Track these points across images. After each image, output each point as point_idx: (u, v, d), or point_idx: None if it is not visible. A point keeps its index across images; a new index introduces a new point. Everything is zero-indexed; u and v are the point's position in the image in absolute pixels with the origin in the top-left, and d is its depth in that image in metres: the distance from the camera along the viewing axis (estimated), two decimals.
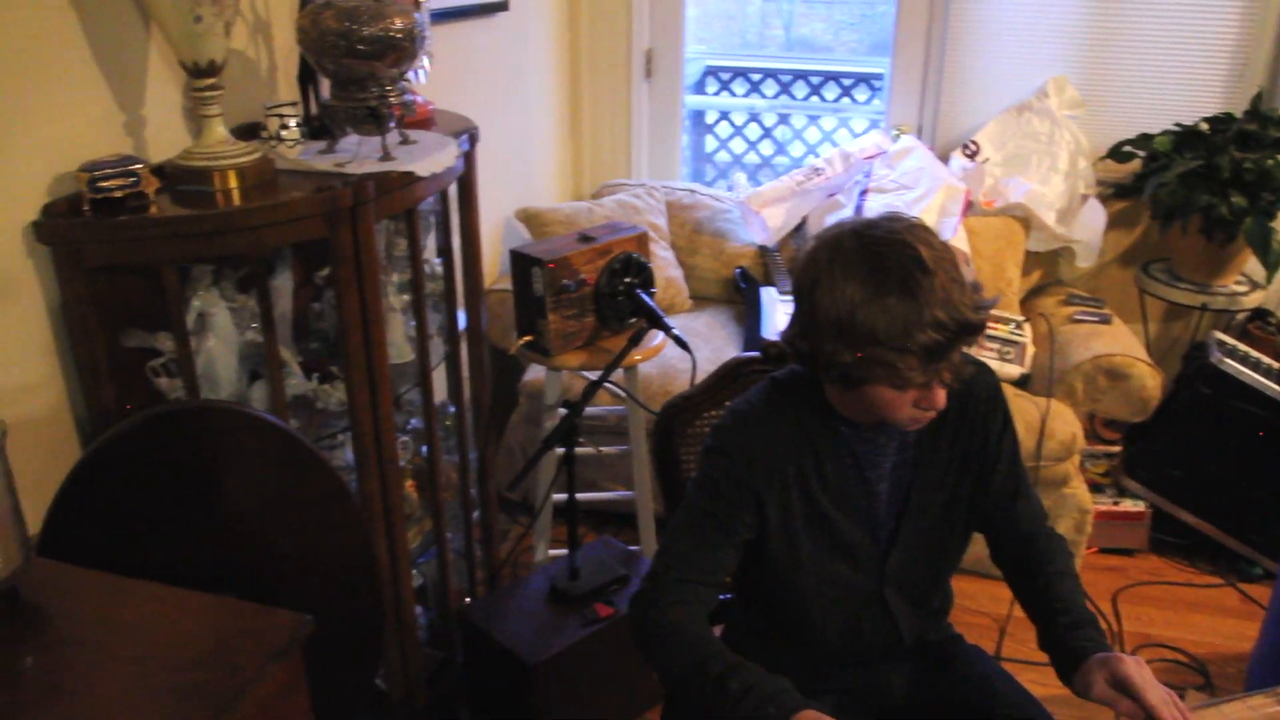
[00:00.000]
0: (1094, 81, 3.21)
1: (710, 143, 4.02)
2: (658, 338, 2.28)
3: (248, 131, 1.78)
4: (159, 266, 1.49)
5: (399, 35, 1.66)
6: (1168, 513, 2.94)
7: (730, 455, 1.39)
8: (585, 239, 2.23)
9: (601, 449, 2.57)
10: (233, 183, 1.58)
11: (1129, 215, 3.27)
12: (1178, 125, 3.08)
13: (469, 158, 2.09)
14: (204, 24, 1.51)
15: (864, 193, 3.05)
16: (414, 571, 2.05)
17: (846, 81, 3.82)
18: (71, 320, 1.50)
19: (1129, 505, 2.94)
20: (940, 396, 1.29)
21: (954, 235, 2.94)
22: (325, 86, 1.81)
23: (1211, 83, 3.15)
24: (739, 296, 3.32)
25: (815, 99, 3.86)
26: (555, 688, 2.02)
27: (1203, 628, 2.68)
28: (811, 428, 1.41)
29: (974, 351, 2.56)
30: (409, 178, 1.74)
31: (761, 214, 3.27)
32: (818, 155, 3.78)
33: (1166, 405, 2.89)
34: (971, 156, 3.22)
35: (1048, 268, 3.30)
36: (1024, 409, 2.66)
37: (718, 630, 1.52)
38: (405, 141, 1.84)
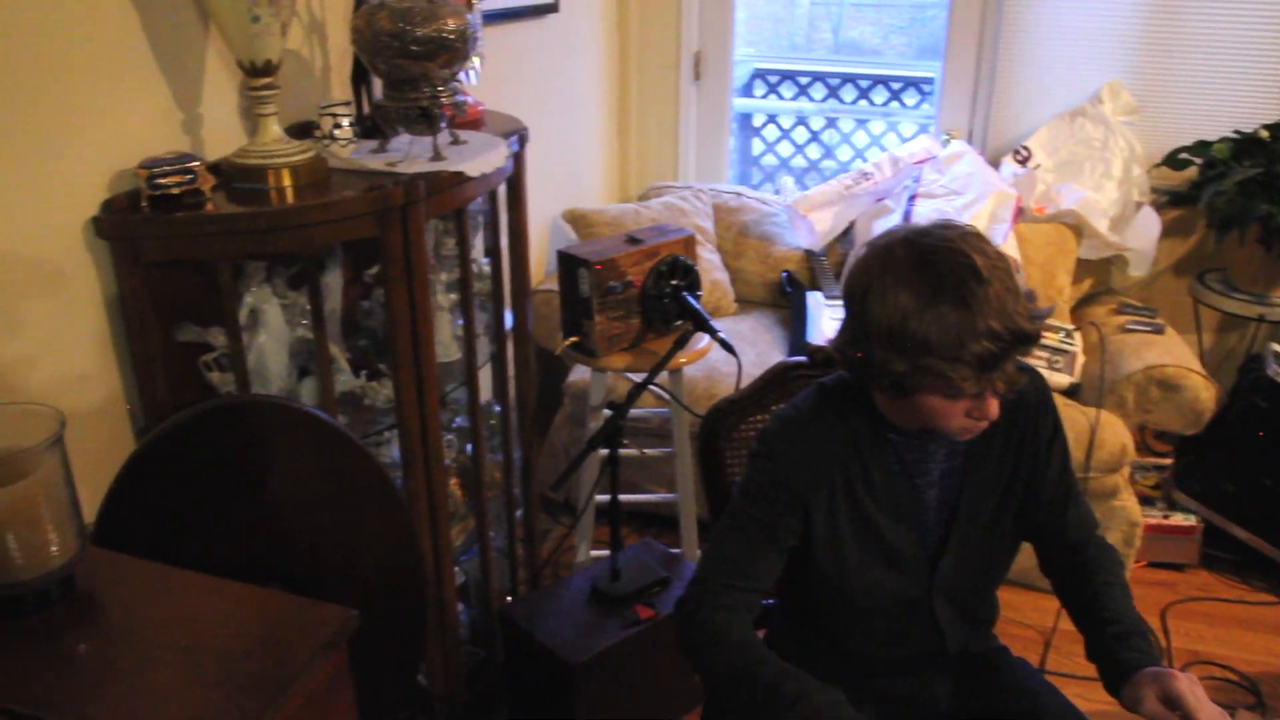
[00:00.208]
0: (1150, 87, 3.16)
1: (757, 146, 4.00)
2: (703, 340, 2.27)
3: (302, 130, 1.81)
4: (214, 262, 1.51)
5: (452, 36, 1.66)
6: (1219, 527, 2.88)
7: (777, 461, 1.38)
8: (633, 241, 2.23)
9: (645, 451, 2.57)
10: (286, 181, 1.60)
11: (1184, 223, 3.21)
12: (1237, 132, 3.02)
13: (518, 158, 2.09)
14: (261, 24, 1.52)
15: (913, 198, 3.03)
16: (456, 569, 2.06)
17: (895, 85, 3.79)
18: (128, 314, 1.52)
19: (1180, 519, 2.88)
20: (993, 407, 1.28)
21: (1004, 242, 2.90)
22: (378, 86, 1.83)
23: (1272, 88, 3.08)
24: (784, 300, 3.30)
25: (863, 103, 3.84)
26: (594, 688, 2.02)
27: (1255, 646, 2.62)
28: (859, 434, 1.40)
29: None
30: (459, 178, 1.74)
31: (809, 218, 3.25)
32: (865, 160, 3.75)
33: (1220, 418, 2.84)
34: (1023, 162, 3.18)
35: (1099, 276, 3.25)
36: (1073, 419, 2.62)
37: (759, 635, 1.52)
38: (456, 142, 1.85)
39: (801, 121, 3.90)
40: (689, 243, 2.29)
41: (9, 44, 1.34)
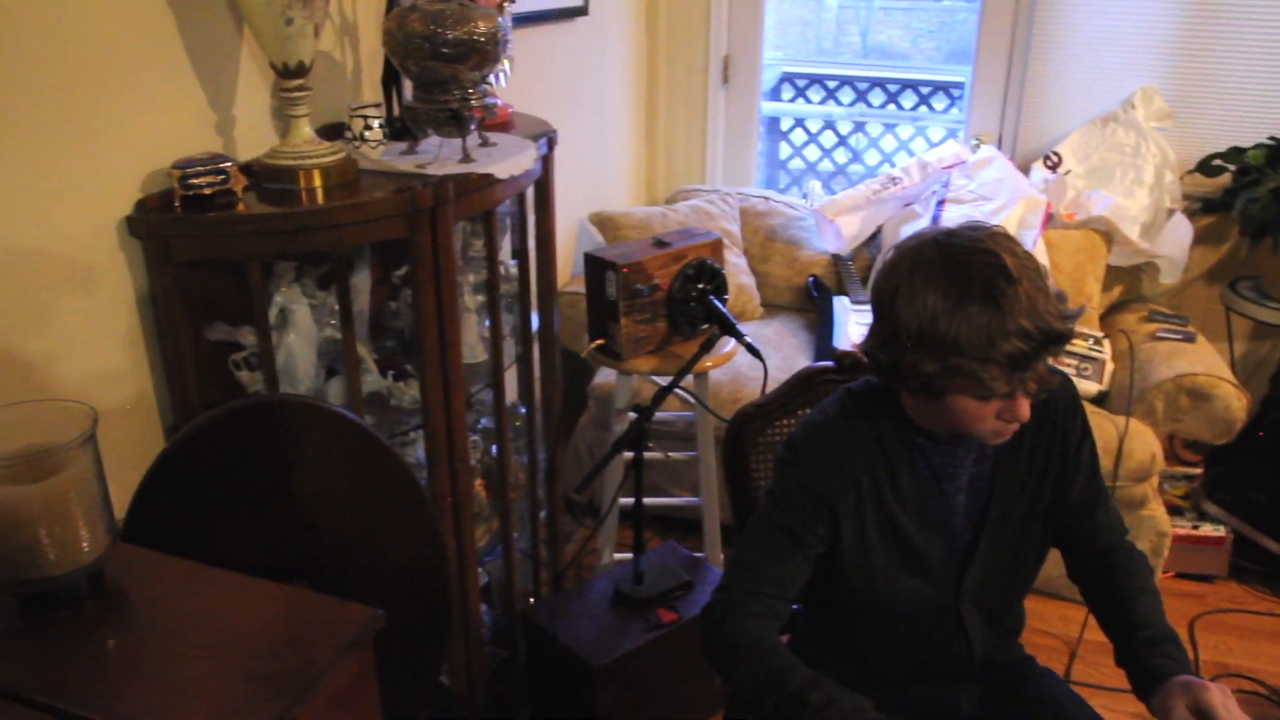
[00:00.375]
0: (1183, 92, 3.12)
1: (785, 149, 3.99)
2: (729, 344, 2.27)
3: (332, 132, 1.82)
4: (244, 262, 1.52)
5: (482, 39, 1.67)
6: (1249, 538, 2.85)
7: (804, 466, 1.38)
8: (660, 244, 2.23)
9: (670, 454, 2.57)
10: (317, 182, 1.61)
11: (1216, 231, 3.17)
12: (1271, 138, 2.98)
13: (547, 161, 2.10)
14: (295, 26, 1.53)
15: (941, 203, 3.01)
16: (480, 570, 2.07)
17: (924, 89, 3.77)
18: (160, 313, 1.54)
19: (1209, 529, 2.85)
20: (1024, 408, 1.27)
21: (1033, 248, 2.88)
22: (408, 89, 1.83)
23: None
24: (811, 305, 3.29)
25: (892, 107, 3.82)
26: (616, 690, 2.02)
27: None
28: (887, 438, 1.39)
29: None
30: (488, 180, 1.75)
31: (836, 222, 3.24)
32: (894, 164, 3.74)
33: (1252, 428, 2.80)
34: (1053, 168, 3.15)
35: (1129, 283, 3.21)
36: (1101, 427, 2.60)
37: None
38: (485, 144, 1.85)
39: (829, 125, 3.89)
40: (717, 246, 2.29)
41: (48, 46, 1.36)
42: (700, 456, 2.40)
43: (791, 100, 3.94)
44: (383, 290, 1.93)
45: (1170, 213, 3.06)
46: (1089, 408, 2.67)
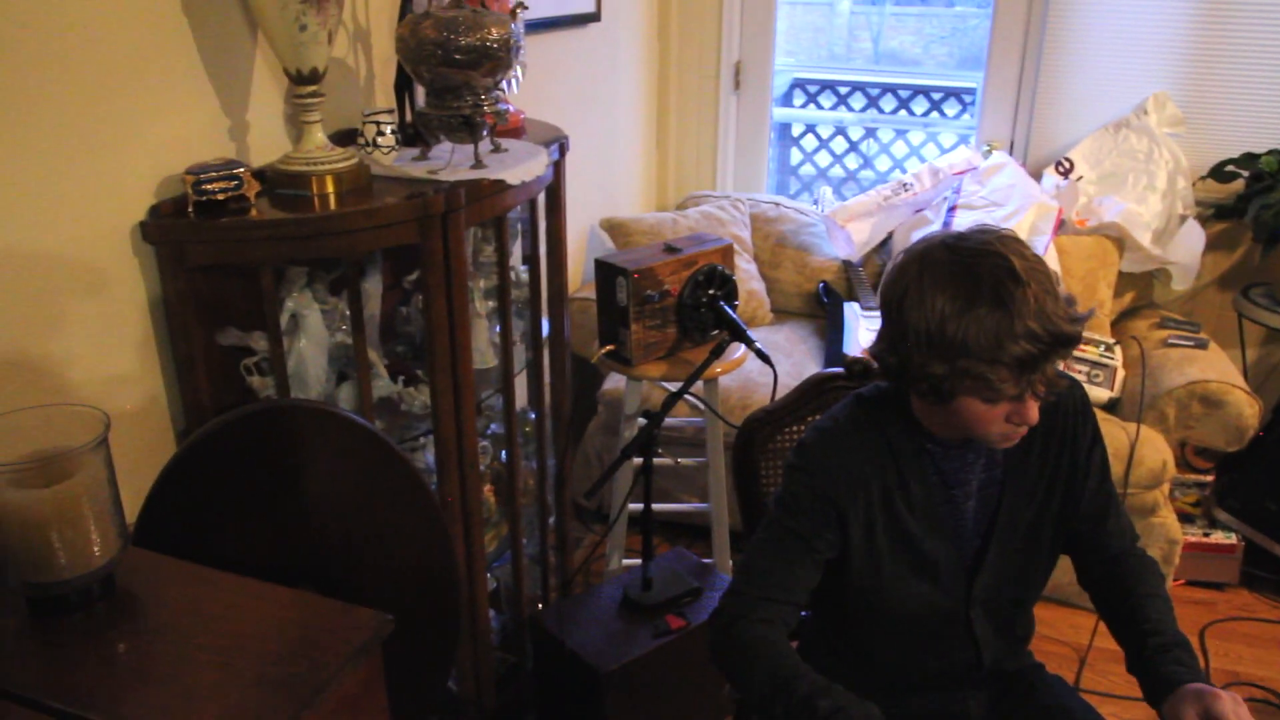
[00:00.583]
0: (1196, 98, 3.11)
1: (795, 155, 3.99)
2: (739, 350, 2.27)
3: (345, 138, 1.82)
4: (256, 267, 1.53)
5: (495, 45, 1.68)
6: (1261, 546, 2.83)
7: (813, 472, 1.37)
8: (670, 250, 2.23)
9: (679, 460, 2.57)
10: (330, 188, 1.62)
11: (1229, 237, 3.16)
12: None
13: (558, 167, 2.10)
14: (308, 33, 1.54)
15: (952, 209, 3.00)
16: (489, 575, 2.07)
17: (936, 95, 3.76)
18: (172, 317, 1.54)
19: (1220, 537, 2.84)
20: (1033, 411, 1.26)
21: (1045, 254, 2.87)
22: (420, 95, 1.84)
23: None
24: (821, 311, 3.28)
25: (903, 113, 3.81)
26: (624, 697, 2.02)
27: None
28: (897, 444, 1.39)
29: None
30: (499, 185, 1.75)
31: (846, 228, 3.23)
32: (905, 170, 3.73)
33: (1264, 435, 2.79)
34: (1065, 174, 3.14)
35: (1141, 289, 3.20)
36: (1112, 434, 2.59)
37: None
38: (497, 150, 1.86)
39: (840, 131, 3.89)
40: (727, 252, 2.29)
41: (63, 52, 1.36)
42: (709, 462, 2.40)
43: (803, 106, 3.94)
44: (394, 295, 1.94)
45: (1183, 219, 3.05)
46: (1100, 414, 2.66)
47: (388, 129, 1.75)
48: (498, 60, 1.70)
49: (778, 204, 3.49)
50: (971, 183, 3.08)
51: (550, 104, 2.76)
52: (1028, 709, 1.52)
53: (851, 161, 3.92)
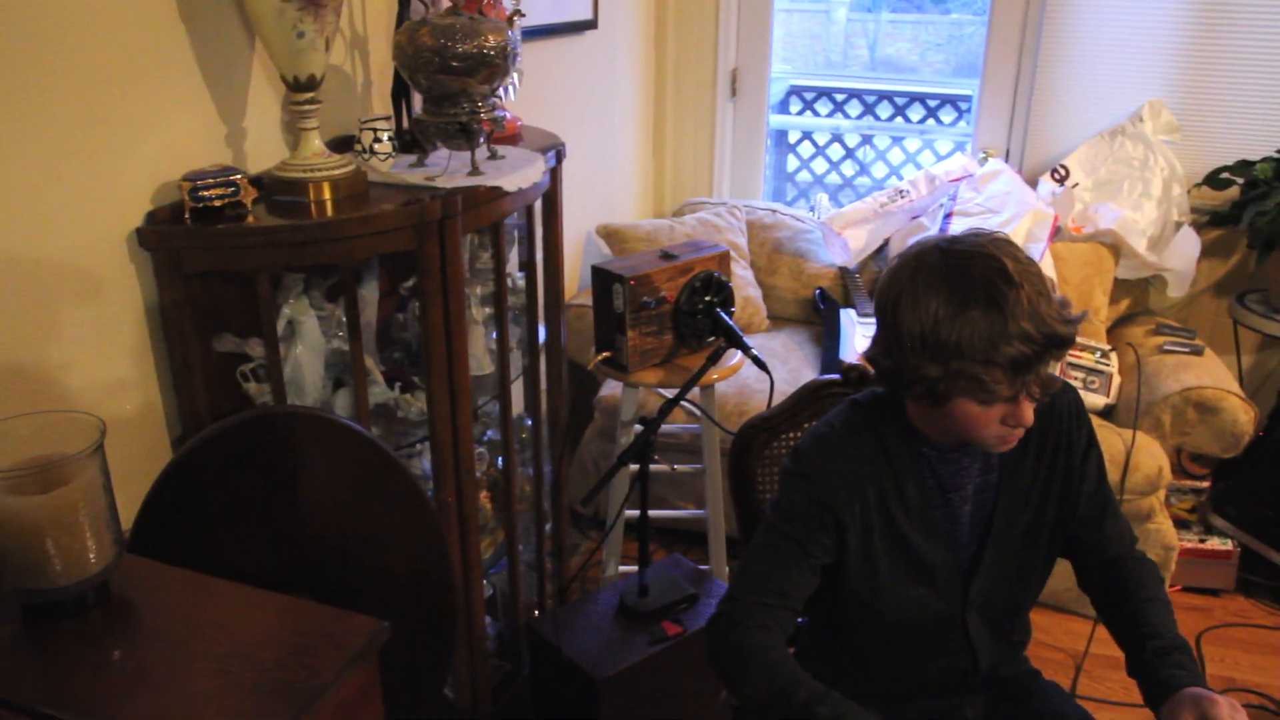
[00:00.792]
0: (1191, 105, 3.12)
1: (792, 162, 3.99)
2: (735, 357, 2.27)
3: (342, 144, 1.82)
4: (253, 274, 1.53)
5: (492, 53, 1.68)
6: (1257, 552, 2.83)
7: (810, 477, 1.38)
8: (667, 256, 2.23)
9: (675, 467, 2.57)
10: (326, 194, 1.62)
11: (1224, 244, 3.17)
12: None
13: (555, 174, 2.10)
14: (306, 40, 1.54)
15: (948, 216, 3.01)
16: (485, 582, 2.07)
17: (932, 103, 3.77)
18: (168, 324, 1.54)
19: (1216, 543, 2.84)
20: (1028, 413, 1.27)
21: (1040, 261, 2.88)
22: (417, 102, 1.84)
23: None
24: (817, 317, 3.29)
25: (900, 120, 3.82)
26: (621, 704, 2.01)
27: None
28: (892, 448, 1.39)
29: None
30: (496, 192, 1.75)
31: (843, 235, 3.24)
32: (901, 177, 3.74)
33: (1260, 441, 2.79)
34: (1061, 181, 3.15)
35: (1137, 296, 3.21)
36: (1108, 440, 2.59)
37: None
38: (494, 157, 1.86)
39: (837, 138, 3.90)
40: (724, 259, 2.29)
41: (60, 58, 1.36)
42: (706, 469, 2.40)
43: (799, 113, 3.95)
44: (390, 302, 1.94)
45: (1178, 226, 3.05)
46: (1096, 421, 2.67)
47: (385, 136, 1.75)
48: (495, 67, 1.70)
49: (774, 211, 3.50)
50: (967, 190, 3.09)
51: (547, 111, 2.76)
52: (1024, 715, 1.52)
53: (848, 168, 3.93)
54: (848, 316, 3.04)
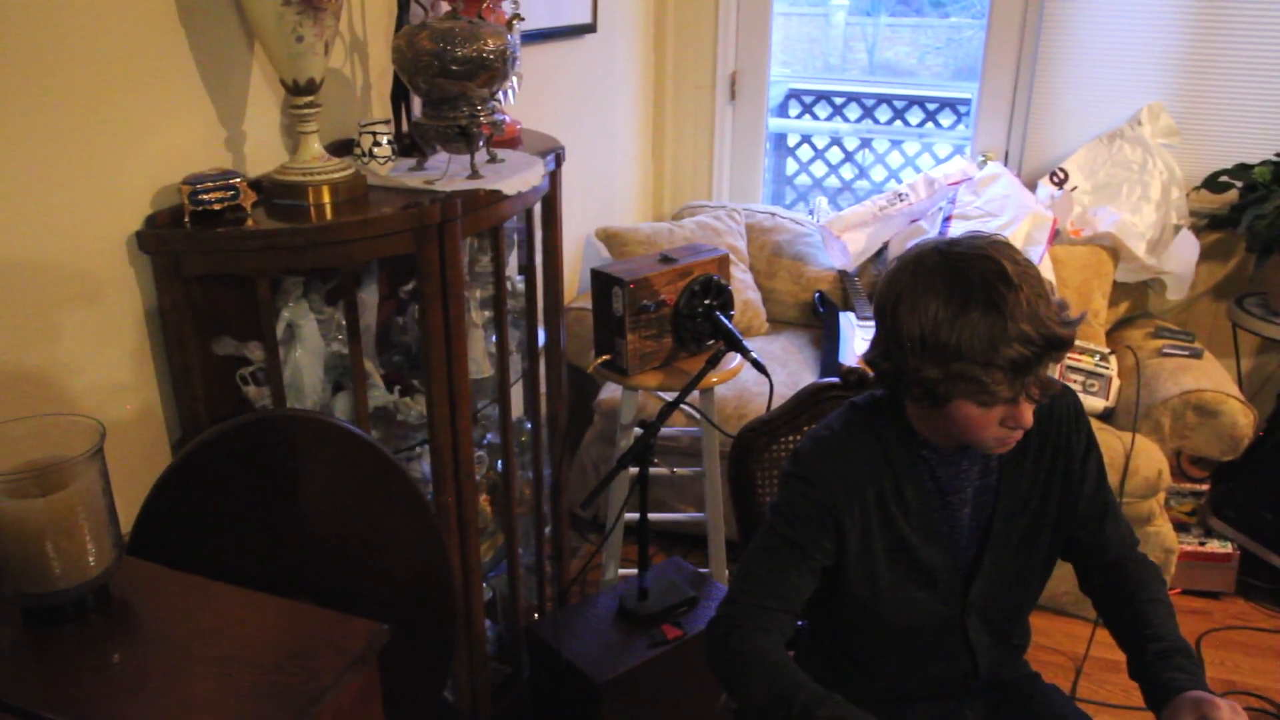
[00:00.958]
0: (1190, 109, 3.12)
1: (791, 166, 4.00)
2: (735, 360, 2.26)
3: (341, 148, 1.82)
4: (253, 277, 1.53)
5: (491, 56, 1.68)
6: (1256, 555, 2.83)
7: (809, 480, 1.38)
8: (666, 260, 2.23)
9: (675, 470, 2.57)
10: (326, 198, 1.61)
11: (1223, 247, 3.17)
12: (1278, 155, 2.98)
13: (554, 177, 2.10)
14: (305, 44, 1.54)
15: (947, 219, 3.01)
16: (484, 585, 2.06)
17: (931, 106, 3.77)
18: (168, 327, 1.54)
19: (1216, 546, 2.84)
20: (1027, 414, 1.27)
21: (1040, 264, 2.88)
22: (417, 105, 1.84)
23: None
24: (817, 321, 3.28)
25: (899, 123, 3.83)
26: (620, 707, 2.01)
27: None
28: (892, 451, 1.39)
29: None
30: (496, 196, 1.75)
31: (842, 239, 3.24)
32: (900, 180, 3.74)
33: (1259, 444, 2.79)
34: (1060, 184, 3.15)
35: (1136, 299, 3.21)
36: (1108, 443, 2.59)
37: None
38: (493, 160, 1.86)
39: (836, 142, 3.90)
40: (723, 262, 2.29)
41: (60, 61, 1.36)
42: (706, 472, 2.39)
43: (798, 116, 3.95)
44: (389, 305, 1.93)
45: (1177, 229, 3.06)
46: (1095, 424, 2.66)
47: (384, 139, 1.75)
48: (494, 71, 1.70)
49: (773, 214, 3.50)
50: (966, 193, 3.09)
51: (547, 114, 2.76)
52: (1024, 718, 1.51)
53: (847, 172, 3.93)
54: (847, 320, 3.04)
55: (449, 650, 1.66)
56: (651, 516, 2.18)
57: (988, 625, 1.46)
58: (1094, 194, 3.13)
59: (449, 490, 1.80)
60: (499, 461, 2.10)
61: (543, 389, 2.24)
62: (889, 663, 1.47)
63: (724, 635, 1.36)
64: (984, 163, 3.27)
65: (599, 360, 2.25)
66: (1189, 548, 2.81)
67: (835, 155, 3.92)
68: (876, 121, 3.85)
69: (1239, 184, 3.02)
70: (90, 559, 1.11)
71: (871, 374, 1.38)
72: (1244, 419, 2.61)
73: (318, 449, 1.50)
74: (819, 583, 1.40)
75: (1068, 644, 2.64)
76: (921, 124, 3.80)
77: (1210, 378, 2.73)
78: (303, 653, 1.10)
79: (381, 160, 1.74)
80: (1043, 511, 1.44)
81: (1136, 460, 2.57)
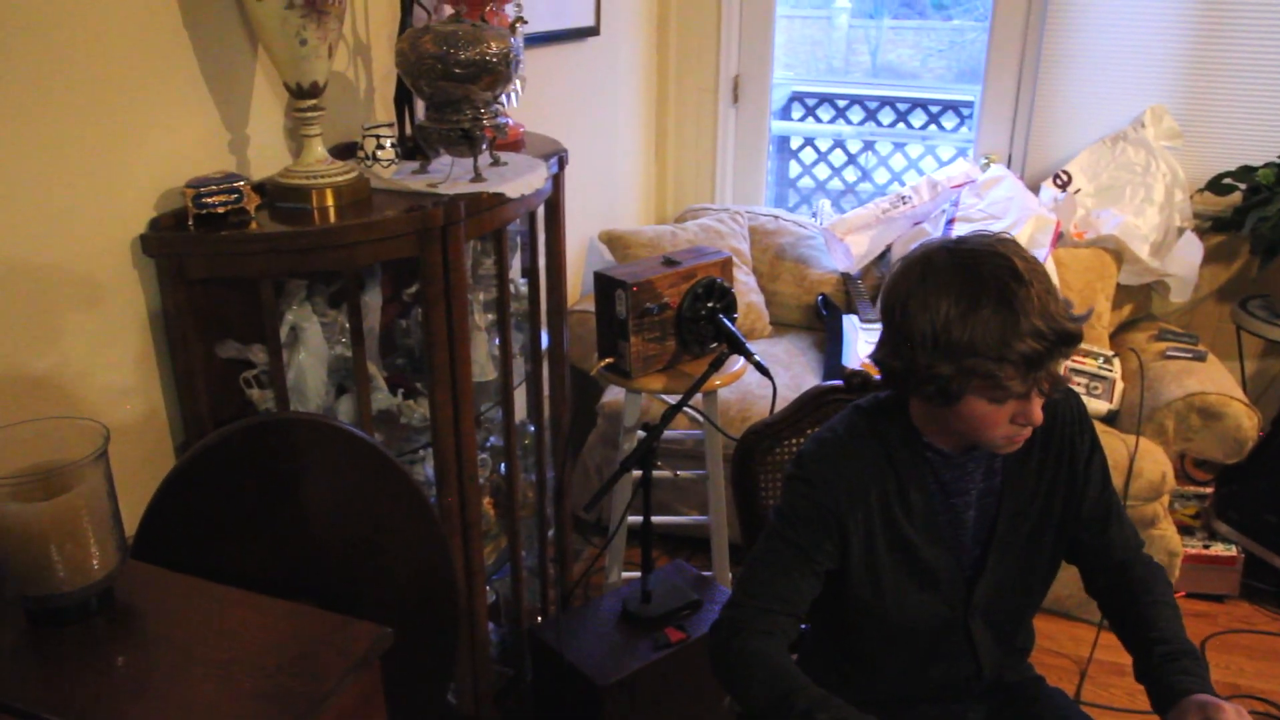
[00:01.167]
0: (1193, 111, 3.11)
1: (794, 168, 4.00)
2: (738, 363, 2.26)
3: (345, 151, 1.83)
4: (256, 280, 1.53)
5: (494, 59, 1.68)
6: (1260, 558, 2.83)
7: (813, 482, 1.37)
8: (669, 262, 2.22)
9: (678, 473, 2.56)
10: (329, 201, 1.62)
11: (1227, 249, 3.16)
12: None
13: (557, 180, 2.10)
14: (309, 47, 1.54)
15: (950, 222, 3.01)
16: (488, 588, 2.06)
17: (934, 108, 3.77)
18: (171, 330, 1.54)
19: (1220, 549, 2.83)
20: (1038, 411, 1.27)
21: None
22: (420, 108, 1.84)
23: None
24: (820, 324, 3.28)
25: (901, 126, 3.82)
26: (624, 710, 2.01)
27: None
28: (896, 453, 1.39)
29: None
30: (499, 199, 1.75)
31: (845, 241, 3.23)
32: (903, 183, 3.74)
33: (1263, 447, 2.78)
34: (1063, 187, 3.15)
35: (1139, 302, 3.20)
36: (1111, 447, 2.58)
37: None
38: (496, 163, 1.86)
39: (839, 144, 3.90)
40: (726, 265, 2.29)
41: (64, 65, 1.37)
42: (709, 475, 2.39)
43: (801, 119, 3.95)
44: (393, 308, 1.93)
45: (1180, 231, 3.05)
46: (1099, 427, 2.66)
47: (387, 142, 1.75)
48: (497, 74, 1.70)
49: (776, 217, 3.49)
50: (970, 195, 3.09)
51: (549, 117, 2.76)
52: None
53: (850, 174, 3.93)
54: (850, 322, 3.03)
55: (452, 653, 1.66)
56: (654, 519, 2.18)
57: (991, 627, 1.46)
58: (1097, 196, 3.12)
59: (452, 493, 1.80)
60: (502, 464, 2.09)
61: (546, 392, 2.24)
62: (892, 665, 1.47)
63: (727, 638, 1.36)
64: (987, 165, 3.26)
65: (602, 363, 2.24)
66: (1193, 551, 2.81)
67: (838, 158, 3.92)
68: (879, 124, 3.85)
69: (1242, 186, 3.01)
70: (94, 562, 1.11)
71: (875, 376, 1.37)
72: (1248, 422, 2.61)
73: (321, 452, 1.50)
74: (822, 586, 1.40)
75: (1072, 647, 2.63)
76: (924, 126, 3.80)
77: (1214, 380, 2.72)
78: (306, 656, 1.10)
79: (385, 163, 1.75)
80: (1047, 514, 1.44)
81: (1140, 463, 2.56)
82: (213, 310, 1.58)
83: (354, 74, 1.94)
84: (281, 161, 1.73)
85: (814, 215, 3.61)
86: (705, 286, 2.23)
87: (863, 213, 3.28)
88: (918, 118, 3.79)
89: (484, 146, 1.76)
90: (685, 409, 2.07)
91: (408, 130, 1.95)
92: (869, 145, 3.88)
